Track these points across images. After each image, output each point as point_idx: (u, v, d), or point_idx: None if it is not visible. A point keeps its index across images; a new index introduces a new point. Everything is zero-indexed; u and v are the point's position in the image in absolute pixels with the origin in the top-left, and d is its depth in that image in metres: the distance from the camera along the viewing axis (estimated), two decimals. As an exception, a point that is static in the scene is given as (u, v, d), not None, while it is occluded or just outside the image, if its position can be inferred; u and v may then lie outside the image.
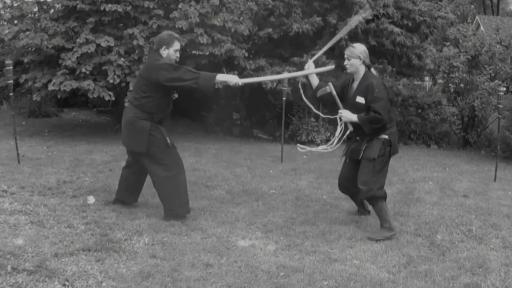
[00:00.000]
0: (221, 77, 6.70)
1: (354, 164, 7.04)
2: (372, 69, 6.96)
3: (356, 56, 6.76)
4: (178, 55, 6.87)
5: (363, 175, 6.78)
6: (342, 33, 7.50)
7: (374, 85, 6.67)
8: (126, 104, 6.82)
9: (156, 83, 6.53)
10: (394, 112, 6.79)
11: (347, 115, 6.80)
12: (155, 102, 6.65)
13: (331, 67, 7.37)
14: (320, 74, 7.86)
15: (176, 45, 6.77)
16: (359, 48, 6.84)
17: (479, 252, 6.20)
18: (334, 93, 6.96)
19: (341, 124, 6.94)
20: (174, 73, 6.50)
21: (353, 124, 6.87)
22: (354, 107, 6.80)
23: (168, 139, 6.77)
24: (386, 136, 6.79)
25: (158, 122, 6.76)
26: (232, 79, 6.73)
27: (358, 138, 6.94)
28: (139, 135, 6.62)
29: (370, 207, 7.31)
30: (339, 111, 6.91)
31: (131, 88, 12.43)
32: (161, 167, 6.73)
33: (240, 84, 6.82)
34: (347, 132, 6.94)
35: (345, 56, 6.88)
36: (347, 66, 6.88)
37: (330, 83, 7.07)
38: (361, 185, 6.75)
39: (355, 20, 7.67)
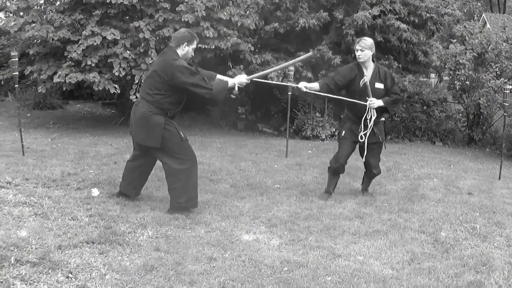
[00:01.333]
0: (231, 83, 6.86)
1: (353, 144, 7.94)
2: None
3: (369, 47, 7.62)
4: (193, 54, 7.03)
5: (377, 159, 8.12)
6: (289, 63, 7.94)
7: (390, 72, 7.89)
8: (137, 99, 6.81)
9: (171, 83, 6.57)
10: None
11: (376, 102, 7.59)
12: (169, 99, 6.67)
13: (309, 54, 8.04)
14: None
15: (195, 44, 6.89)
16: (370, 41, 7.72)
17: (483, 250, 6.19)
18: (367, 79, 7.64)
19: (368, 112, 7.67)
20: (190, 78, 6.53)
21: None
22: (373, 94, 7.62)
23: (181, 133, 6.79)
24: (383, 119, 8.00)
25: (171, 117, 6.78)
26: (240, 79, 6.96)
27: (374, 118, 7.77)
28: (154, 130, 6.63)
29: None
30: (369, 99, 7.58)
31: (136, 81, 12.47)
32: (176, 161, 6.74)
33: (246, 81, 7.01)
34: (373, 119, 7.70)
35: (359, 48, 7.63)
36: (360, 56, 7.63)
37: (366, 75, 7.69)
38: (374, 169, 8.12)
39: (304, 57, 8.27)
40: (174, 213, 6.73)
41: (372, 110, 7.62)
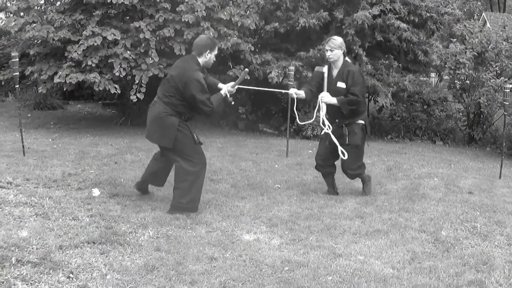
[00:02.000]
0: (222, 93, 7.12)
1: (332, 146, 7.83)
2: (347, 58, 7.84)
3: (338, 46, 7.62)
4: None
5: (350, 161, 7.82)
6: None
7: (354, 71, 7.66)
8: (154, 100, 6.89)
9: (182, 90, 6.69)
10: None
11: (327, 97, 7.58)
12: (184, 103, 6.78)
13: (244, 72, 7.42)
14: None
15: (217, 50, 7.05)
16: (339, 40, 7.73)
17: (484, 249, 6.18)
18: (325, 75, 7.77)
19: (318, 106, 7.67)
20: (200, 94, 6.67)
21: (333, 109, 7.67)
22: (335, 93, 7.62)
23: (195, 136, 6.89)
24: (363, 122, 7.80)
25: (185, 120, 6.89)
26: (228, 88, 7.18)
27: (337, 121, 7.80)
28: (168, 131, 6.72)
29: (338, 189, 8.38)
30: (321, 94, 7.65)
31: (136, 81, 12.48)
32: (187, 162, 6.81)
33: (232, 89, 7.22)
34: (322, 115, 7.70)
35: (328, 48, 7.66)
36: (330, 56, 7.65)
37: (326, 66, 7.86)
38: (349, 170, 7.99)
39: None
40: (174, 213, 6.74)
41: (322, 104, 7.63)
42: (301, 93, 7.78)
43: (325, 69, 7.81)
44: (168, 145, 6.77)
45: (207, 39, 7.07)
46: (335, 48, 7.59)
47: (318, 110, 7.71)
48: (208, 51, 6.87)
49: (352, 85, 7.57)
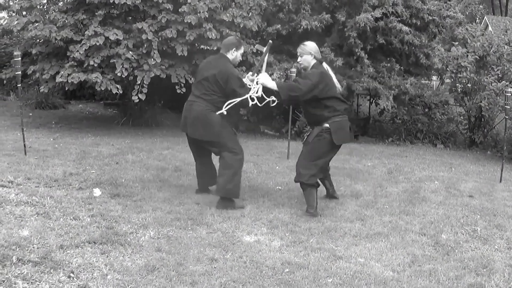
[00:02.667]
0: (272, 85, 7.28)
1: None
2: (324, 64, 7.55)
3: (308, 52, 7.33)
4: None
5: (299, 160, 7.47)
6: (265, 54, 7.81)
7: (311, 71, 7.28)
8: (191, 99, 7.49)
9: (224, 86, 7.24)
10: (341, 104, 7.37)
11: (263, 77, 7.29)
12: (224, 100, 7.27)
13: (268, 45, 7.80)
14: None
15: (242, 49, 7.67)
16: (310, 46, 7.40)
17: (484, 253, 6.19)
18: (266, 53, 7.72)
19: (255, 87, 7.35)
20: (240, 89, 7.26)
21: (306, 112, 7.65)
22: (304, 101, 7.30)
23: (233, 128, 7.53)
24: (327, 125, 7.19)
25: (226, 115, 7.32)
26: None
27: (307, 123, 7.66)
28: (212, 126, 7.23)
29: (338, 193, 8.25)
30: (259, 75, 7.43)
31: (138, 82, 12.48)
32: (230, 153, 7.37)
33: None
34: (250, 93, 7.34)
35: (298, 54, 7.44)
36: (300, 62, 7.45)
37: (270, 41, 7.89)
38: (296, 168, 7.43)
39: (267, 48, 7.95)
40: (222, 196, 7.26)
41: (259, 86, 7.30)
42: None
43: (265, 49, 7.72)
44: (215, 139, 7.29)
45: (233, 39, 7.74)
46: (304, 54, 7.34)
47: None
48: (234, 49, 7.45)
49: (301, 77, 7.37)
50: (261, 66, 7.63)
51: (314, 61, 7.36)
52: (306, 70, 7.39)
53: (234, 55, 7.47)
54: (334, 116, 7.20)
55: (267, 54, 7.67)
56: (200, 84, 7.40)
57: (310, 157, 7.31)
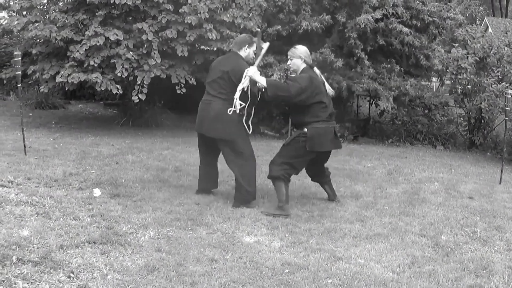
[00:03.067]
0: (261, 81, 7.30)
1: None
2: (316, 69, 7.54)
3: (298, 56, 7.35)
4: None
5: (274, 157, 7.58)
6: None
7: (301, 75, 7.29)
8: (208, 99, 7.49)
9: (238, 83, 7.19)
10: (325, 110, 7.26)
11: (252, 70, 7.20)
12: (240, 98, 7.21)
13: (266, 44, 7.76)
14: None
15: (255, 46, 7.59)
16: (300, 49, 7.43)
17: (483, 254, 6.19)
18: (264, 51, 7.60)
19: (245, 80, 7.23)
20: (253, 88, 7.26)
21: (292, 114, 7.73)
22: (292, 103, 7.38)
23: (247, 128, 7.50)
24: (305, 129, 7.25)
25: (241, 114, 7.37)
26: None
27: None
28: (229, 125, 7.22)
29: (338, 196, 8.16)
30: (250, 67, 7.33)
31: (138, 82, 12.49)
32: (239, 155, 7.45)
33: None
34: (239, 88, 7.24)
35: (288, 57, 7.48)
36: (289, 65, 7.52)
37: (268, 43, 7.72)
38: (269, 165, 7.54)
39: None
40: (242, 205, 7.37)
41: (246, 78, 7.20)
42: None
43: (265, 46, 7.61)
44: (230, 138, 7.29)
45: (245, 36, 7.80)
46: (293, 57, 7.37)
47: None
48: (247, 46, 7.49)
49: (290, 79, 7.33)
50: (256, 60, 7.59)
51: (304, 65, 7.35)
52: (296, 74, 7.43)
53: (247, 52, 7.48)
54: (314, 122, 7.21)
55: (264, 52, 7.63)
56: (215, 83, 7.39)
57: (283, 156, 7.47)
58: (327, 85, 7.55)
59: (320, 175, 7.99)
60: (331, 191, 8.08)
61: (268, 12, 15.16)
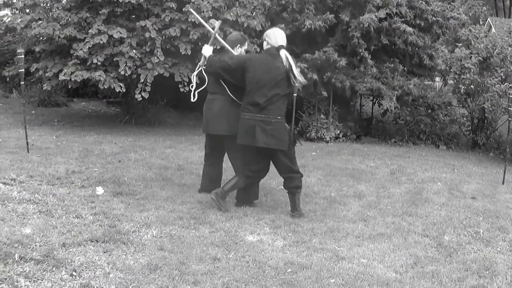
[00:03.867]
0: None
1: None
2: (282, 51, 6.89)
3: (263, 38, 7.21)
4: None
5: None
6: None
7: (241, 54, 7.47)
8: (211, 97, 7.59)
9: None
10: (256, 104, 6.78)
11: (204, 48, 7.41)
12: (237, 93, 7.22)
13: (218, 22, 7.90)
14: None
15: (247, 45, 7.76)
16: (267, 31, 7.27)
17: (486, 255, 6.19)
18: (217, 29, 7.60)
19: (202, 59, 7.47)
20: (229, 60, 7.15)
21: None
22: None
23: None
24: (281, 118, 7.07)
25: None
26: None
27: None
28: (235, 120, 7.13)
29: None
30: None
31: (141, 80, 12.48)
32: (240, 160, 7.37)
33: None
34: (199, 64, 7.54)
35: None
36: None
37: (220, 21, 7.93)
38: None
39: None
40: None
41: (202, 56, 7.42)
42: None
43: (217, 24, 7.67)
44: (234, 133, 7.14)
45: (238, 35, 7.89)
46: (264, 39, 7.21)
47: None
48: (239, 45, 7.54)
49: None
50: (210, 39, 7.55)
51: (268, 46, 7.01)
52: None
53: (239, 51, 7.48)
54: (242, 113, 6.97)
55: (217, 29, 7.60)
56: (214, 82, 7.42)
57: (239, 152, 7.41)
58: (296, 71, 6.91)
59: (284, 179, 7.33)
60: (292, 203, 7.24)
61: (272, 10, 15.13)
